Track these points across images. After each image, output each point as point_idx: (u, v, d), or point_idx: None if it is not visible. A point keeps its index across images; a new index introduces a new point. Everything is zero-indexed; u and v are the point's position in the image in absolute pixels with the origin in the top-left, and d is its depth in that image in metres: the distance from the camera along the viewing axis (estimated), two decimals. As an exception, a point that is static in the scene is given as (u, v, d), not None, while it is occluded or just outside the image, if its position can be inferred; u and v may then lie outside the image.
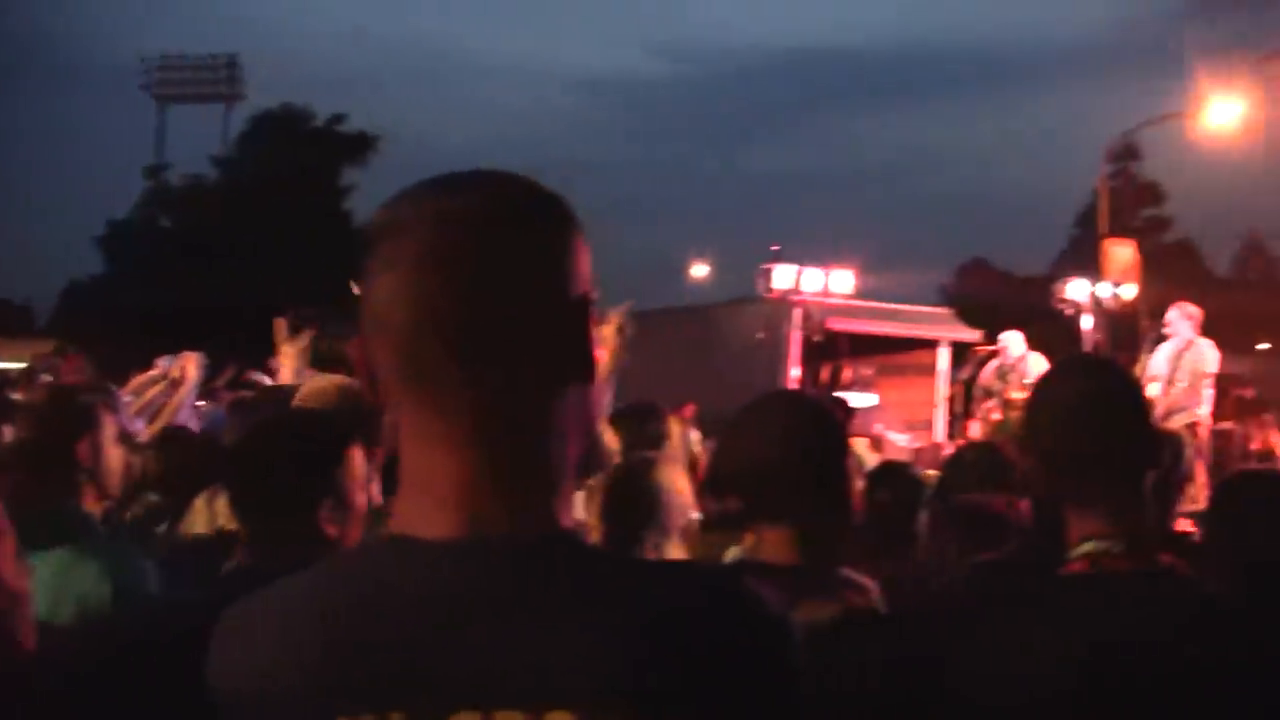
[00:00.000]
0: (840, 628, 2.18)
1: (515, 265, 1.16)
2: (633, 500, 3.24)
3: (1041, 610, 1.88)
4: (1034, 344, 13.33)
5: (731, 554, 2.64)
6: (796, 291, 17.92)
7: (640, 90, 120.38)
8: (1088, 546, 1.91)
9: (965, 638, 1.90)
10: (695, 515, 3.48)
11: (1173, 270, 35.09)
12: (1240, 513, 2.91)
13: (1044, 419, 2.05)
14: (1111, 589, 1.87)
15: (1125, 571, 1.88)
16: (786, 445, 2.42)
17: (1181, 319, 11.27)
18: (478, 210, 1.16)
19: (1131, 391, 2.09)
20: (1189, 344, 11.16)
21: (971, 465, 3.96)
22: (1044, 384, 2.15)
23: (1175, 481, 3.84)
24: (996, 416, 12.79)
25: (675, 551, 3.37)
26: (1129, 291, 15.81)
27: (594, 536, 3.26)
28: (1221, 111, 18.10)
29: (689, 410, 8.15)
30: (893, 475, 4.03)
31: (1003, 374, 13.11)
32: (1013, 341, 13.25)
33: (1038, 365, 12.79)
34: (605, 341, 4.41)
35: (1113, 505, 1.92)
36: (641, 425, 4.89)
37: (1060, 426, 2.01)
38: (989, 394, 13.28)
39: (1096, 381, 2.06)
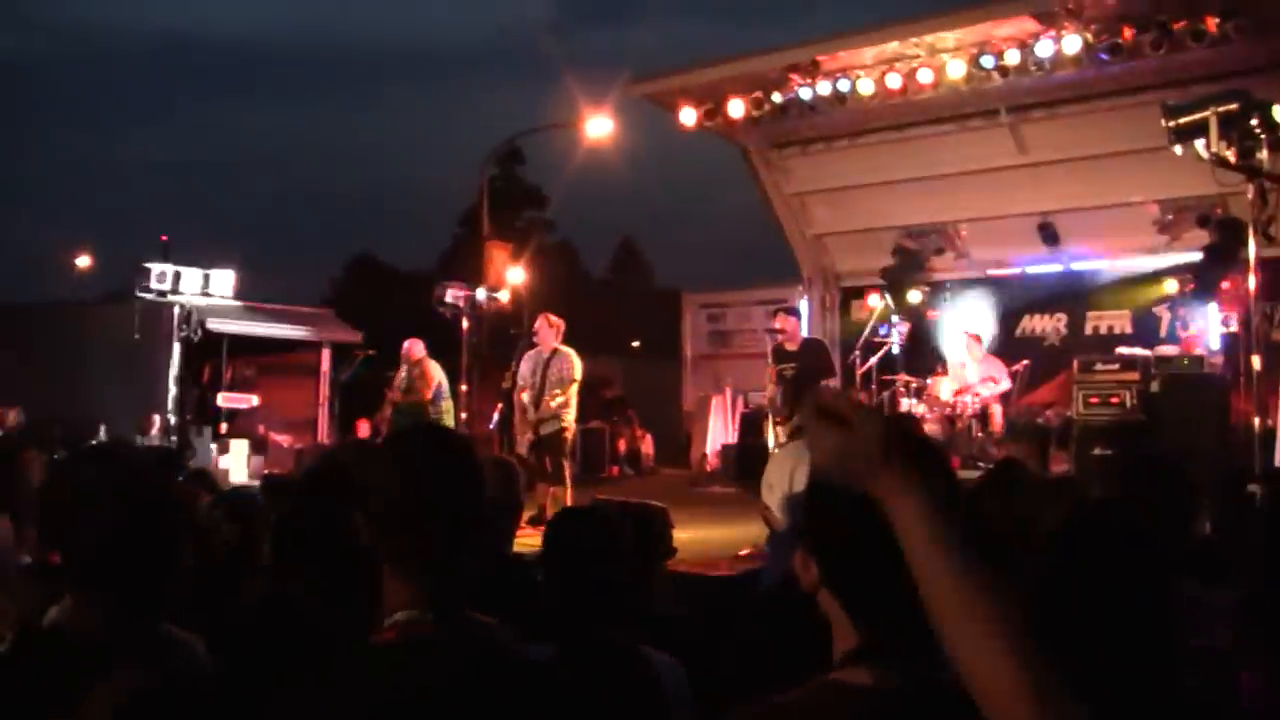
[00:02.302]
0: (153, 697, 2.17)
1: None
2: None
3: (339, 678, 1.94)
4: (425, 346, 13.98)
5: (52, 614, 2.54)
6: (175, 291, 17.39)
7: (8, 69, 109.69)
8: (399, 616, 1.98)
9: (265, 703, 1.95)
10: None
11: (553, 272, 37.05)
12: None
13: (377, 485, 2.08)
14: (409, 656, 1.94)
15: (429, 639, 1.95)
16: (91, 510, 2.36)
17: (547, 329, 11.91)
18: None
19: (463, 465, 2.10)
20: (554, 352, 11.83)
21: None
22: (387, 448, 2.20)
23: (510, 509, 4.06)
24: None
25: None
26: (506, 296, 16.55)
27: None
28: (597, 125, 19.05)
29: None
30: (239, 508, 3.94)
31: (408, 380, 13.76)
32: (415, 347, 13.91)
33: (437, 371, 13.59)
34: None
35: (428, 577, 2.00)
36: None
37: (392, 498, 2.04)
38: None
39: (429, 459, 2.08)
